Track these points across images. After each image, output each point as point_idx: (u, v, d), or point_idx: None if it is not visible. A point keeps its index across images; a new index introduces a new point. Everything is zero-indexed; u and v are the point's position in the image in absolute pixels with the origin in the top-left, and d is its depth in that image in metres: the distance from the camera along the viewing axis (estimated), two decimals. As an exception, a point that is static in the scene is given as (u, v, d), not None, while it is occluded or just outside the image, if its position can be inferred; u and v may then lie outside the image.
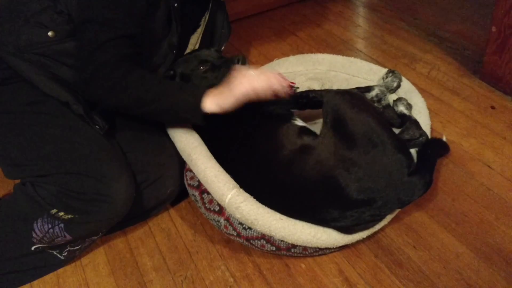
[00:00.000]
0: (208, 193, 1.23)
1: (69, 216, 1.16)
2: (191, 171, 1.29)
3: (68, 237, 1.19)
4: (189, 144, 1.28)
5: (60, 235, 1.18)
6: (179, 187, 1.37)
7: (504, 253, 1.18)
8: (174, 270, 1.26)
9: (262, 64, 1.92)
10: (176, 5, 1.31)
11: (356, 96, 1.31)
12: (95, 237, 1.28)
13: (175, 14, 1.32)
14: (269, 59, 1.97)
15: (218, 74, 1.34)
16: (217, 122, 1.35)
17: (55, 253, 1.26)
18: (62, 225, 1.17)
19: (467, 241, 1.22)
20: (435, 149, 1.34)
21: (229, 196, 1.14)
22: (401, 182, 1.13)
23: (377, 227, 1.23)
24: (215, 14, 1.62)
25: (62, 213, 1.16)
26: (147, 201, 1.34)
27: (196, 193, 1.27)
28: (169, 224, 1.40)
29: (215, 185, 1.17)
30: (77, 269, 1.30)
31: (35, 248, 1.21)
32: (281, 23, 2.43)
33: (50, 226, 1.17)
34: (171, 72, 1.38)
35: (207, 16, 1.60)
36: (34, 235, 1.19)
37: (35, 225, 1.18)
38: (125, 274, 1.27)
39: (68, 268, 1.30)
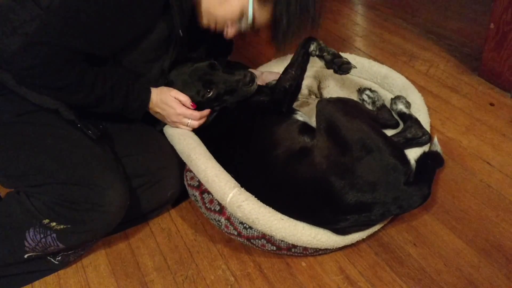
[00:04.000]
0: (209, 193, 1.23)
1: (61, 227, 1.14)
2: (191, 171, 1.29)
3: (61, 246, 1.18)
4: (188, 145, 1.28)
5: (52, 245, 1.17)
6: (179, 189, 1.37)
7: (504, 249, 1.18)
8: (175, 270, 1.26)
9: (261, 64, 1.92)
10: (181, 33, 1.23)
11: (349, 104, 1.31)
12: (89, 244, 1.28)
13: (178, 41, 1.25)
14: (268, 59, 1.96)
15: (231, 97, 1.33)
16: (215, 122, 1.36)
17: (48, 258, 1.25)
18: (54, 235, 1.16)
19: (467, 238, 1.22)
20: (434, 160, 1.32)
21: (231, 195, 1.14)
22: (398, 190, 1.12)
23: (377, 227, 1.23)
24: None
25: (54, 224, 1.14)
26: (148, 204, 1.34)
27: (197, 193, 1.28)
28: (169, 224, 1.40)
29: (216, 185, 1.17)
30: (78, 270, 1.30)
31: (28, 256, 1.20)
32: (280, 22, 2.42)
33: (42, 236, 1.16)
34: None
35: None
36: (26, 244, 1.17)
37: (27, 234, 1.16)
38: (126, 275, 1.27)
39: (69, 269, 1.30)
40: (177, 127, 1.33)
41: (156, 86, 1.30)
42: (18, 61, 1.10)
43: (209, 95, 1.31)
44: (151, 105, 1.28)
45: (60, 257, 1.26)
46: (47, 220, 1.14)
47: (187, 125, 1.31)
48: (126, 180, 1.22)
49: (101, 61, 1.20)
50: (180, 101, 1.28)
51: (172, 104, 1.27)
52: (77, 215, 1.13)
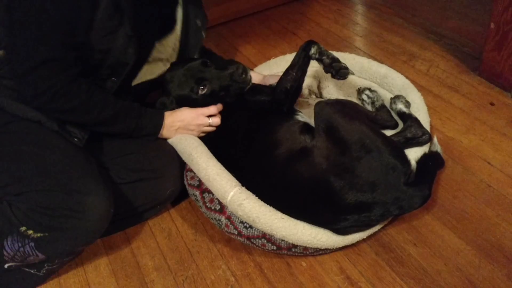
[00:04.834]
0: (209, 192, 1.23)
1: (39, 235, 1.11)
2: (191, 171, 1.29)
3: (41, 256, 1.15)
4: (190, 145, 1.28)
5: (31, 254, 1.14)
6: (179, 188, 1.37)
7: (505, 249, 1.18)
8: (175, 270, 1.26)
9: (260, 63, 1.92)
10: None
11: (348, 105, 1.31)
12: (73, 255, 1.26)
13: (128, 4, 1.19)
14: (268, 58, 1.96)
15: (227, 93, 1.36)
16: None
17: (32, 271, 1.23)
18: (32, 243, 1.13)
19: (468, 237, 1.22)
20: (435, 161, 1.32)
21: (232, 193, 1.14)
22: (398, 191, 1.12)
23: (378, 227, 1.23)
24: (187, 6, 1.49)
25: (31, 231, 1.11)
26: (146, 201, 1.34)
27: (197, 193, 1.27)
28: (169, 224, 1.40)
29: (217, 183, 1.17)
30: (78, 270, 1.30)
31: (8, 266, 1.18)
32: (280, 21, 2.43)
33: (20, 244, 1.13)
34: (166, 99, 1.36)
35: (179, 11, 1.48)
36: (5, 253, 1.15)
37: (5, 243, 1.14)
38: (126, 275, 1.27)
39: (69, 269, 1.30)
40: (202, 132, 1.36)
41: (126, 56, 1.24)
42: (29, 91, 1.11)
43: (203, 92, 1.34)
44: (168, 125, 1.32)
45: (45, 270, 1.24)
46: (24, 228, 1.11)
47: (210, 124, 1.34)
48: (109, 188, 1.17)
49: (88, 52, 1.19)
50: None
51: (189, 111, 1.33)
52: (54, 222, 1.10)
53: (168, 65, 1.44)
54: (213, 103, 1.36)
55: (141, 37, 1.27)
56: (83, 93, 1.15)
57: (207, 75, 1.34)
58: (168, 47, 1.48)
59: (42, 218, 1.10)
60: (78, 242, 1.16)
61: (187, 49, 1.52)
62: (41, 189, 1.11)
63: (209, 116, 1.35)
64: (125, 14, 1.20)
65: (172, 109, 1.37)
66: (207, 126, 1.35)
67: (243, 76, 1.35)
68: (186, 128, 1.34)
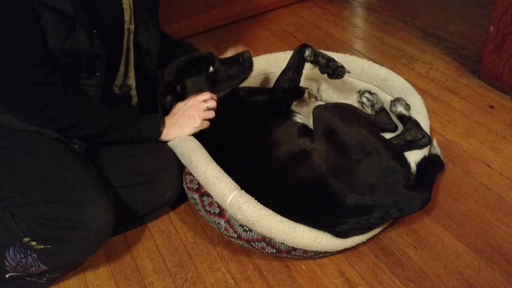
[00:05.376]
0: (208, 195, 1.23)
1: (41, 246, 1.11)
2: (190, 174, 1.29)
3: (43, 267, 1.14)
4: (189, 148, 1.28)
5: (33, 265, 1.13)
6: (178, 192, 1.37)
7: (505, 252, 1.18)
8: (174, 273, 1.26)
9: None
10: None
11: (346, 109, 1.32)
12: (75, 265, 1.26)
13: (67, 4, 1.10)
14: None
15: (235, 76, 1.42)
16: (215, 123, 1.36)
17: (33, 280, 1.22)
18: (35, 255, 1.12)
19: (468, 240, 1.22)
20: (435, 164, 1.31)
21: (231, 197, 1.14)
22: (398, 193, 1.12)
23: (377, 230, 1.23)
24: None
25: (34, 242, 1.11)
26: (145, 205, 1.33)
27: (196, 196, 1.27)
28: (169, 227, 1.40)
29: (216, 187, 1.17)
30: (77, 273, 1.29)
31: (9, 276, 1.17)
32: (280, 24, 2.43)
33: (22, 255, 1.12)
34: (175, 84, 1.39)
35: None
36: (7, 263, 1.14)
37: (7, 253, 1.13)
38: (125, 277, 1.27)
39: (69, 272, 1.30)
40: (204, 118, 1.34)
41: (94, 48, 1.18)
42: (25, 117, 1.14)
43: (211, 71, 1.40)
44: (169, 124, 1.34)
45: (46, 278, 1.23)
46: (27, 238, 1.11)
47: (207, 109, 1.34)
48: (111, 198, 1.17)
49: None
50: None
51: (185, 101, 1.35)
52: (56, 234, 1.09)
53: (132, 28, 1.36)
54: (219, 86, 1.42)
55: (101, 21, 1.23)
56: (77, 109, 1.16)
57: (216, 58, 1.42)
58: (125, 5, 1.34)
59: (45, 229, 1.10)
60: (81, 253, 1.15)
61: (144, 4, 1.38)
62: (43, 200, 1.11)
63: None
64: (73, 14, 1.13)
65: (178, 94, 1.40)
66: (206, 110, 1.33)
67: (249, 56, 1.41)
68: (187, 116, 1.33)
